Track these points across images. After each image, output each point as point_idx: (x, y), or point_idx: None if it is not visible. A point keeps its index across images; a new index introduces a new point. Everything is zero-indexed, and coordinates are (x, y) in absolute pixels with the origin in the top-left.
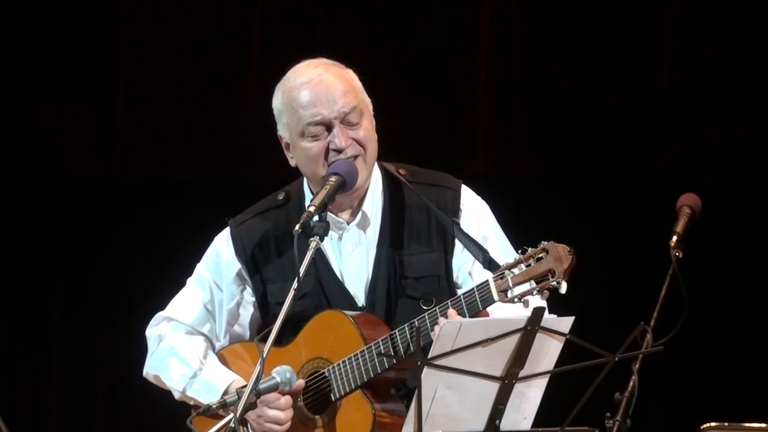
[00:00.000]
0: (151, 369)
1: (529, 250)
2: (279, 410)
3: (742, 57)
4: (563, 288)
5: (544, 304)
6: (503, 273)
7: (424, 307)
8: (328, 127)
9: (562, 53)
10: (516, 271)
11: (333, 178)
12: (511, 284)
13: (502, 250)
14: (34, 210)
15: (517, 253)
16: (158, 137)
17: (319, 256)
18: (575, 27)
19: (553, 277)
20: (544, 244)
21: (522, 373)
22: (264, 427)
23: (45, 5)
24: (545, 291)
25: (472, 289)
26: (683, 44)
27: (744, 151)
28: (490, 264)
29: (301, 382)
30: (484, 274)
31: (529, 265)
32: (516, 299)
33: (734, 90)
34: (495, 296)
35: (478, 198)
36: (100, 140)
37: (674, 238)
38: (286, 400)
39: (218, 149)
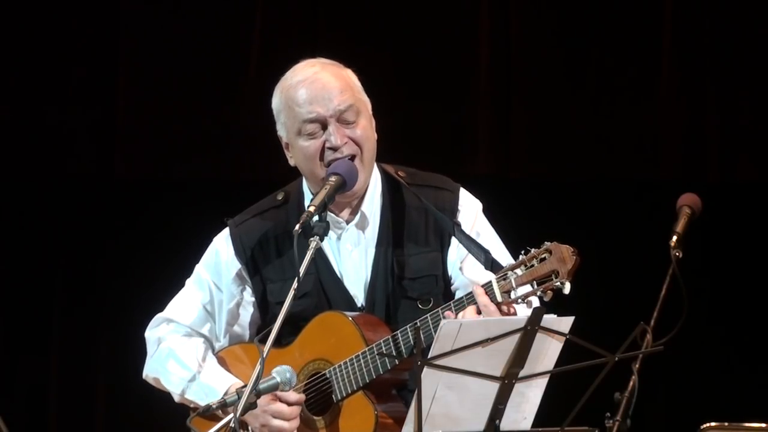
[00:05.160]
0: (150, 371)
1: (533, 250)
2: (284, 420)
3: (742, 57)
4: (567, 288)
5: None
6: (506, 274)
7: (421, 307)
8: (324, 125)
9: (562, 53)
10: (519, 271)
11: (333, 178)
12: (514, 285)
13: (500, 254)
14: (34, 210)
15: (521, 254)
16: (158, 137)
17: (319, 256)
18: (575, 27)
19: (556, 277)
20: (547, 244)
21: (522, 373)
22: None
23: (45, 5)
24: (549, 292)
25: None
26: (683, 44)
27: (744, 151)
28: (492, 265)
29: (302, 397)
30: (486, 276)
31: (532, 266)
32: (519, 300)
33: (734, 90)
34: (498, 297)
35: (476, 200)
36: (101, 140)
37: (674, 238)
38: (291, 410)
39: (218, 149)
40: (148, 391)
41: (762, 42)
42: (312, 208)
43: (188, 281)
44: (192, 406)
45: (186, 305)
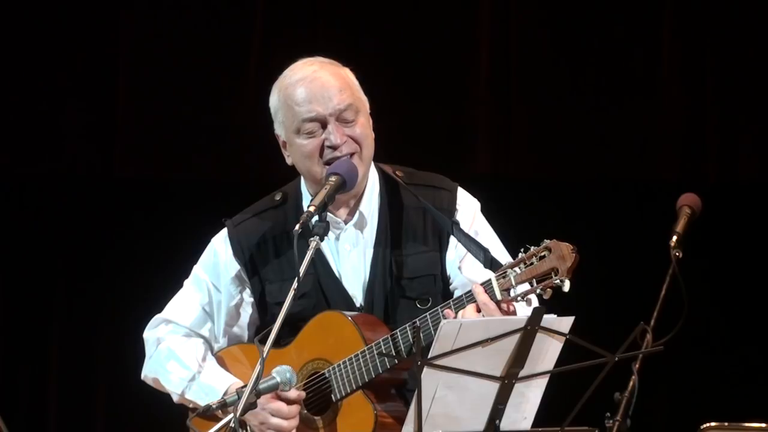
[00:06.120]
0: (149, 372)
1: (532, 248)
2: (282, 419)
3: (742, 57)
4: (566, 286)
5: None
6: (506, 272)
7: (420, 307)
8: (323, 124)
9: (562, 53)
10: (518, 269)
11: (333, 178)
12: (513, 283)
13: (499, 252)
14: (34, 209)
15: (520, 252)
16: (158, 137)
17: (318, 256)
18: (575, 27)
19: (556, 275)
20: (546, 242)
21: (522, 373)
22: None
23: (45, 5)
24: (548, 289)
25: None
26: (683, 44)
27: (744, 151)
28: (491, 263)
29: (302, 394)
30: (485, 274)
31: (531, 264)
32: (519, 298)
33: (734, 90)
34: (498, 295)
35: (474, 200)
36: (100, 140)
37: (674, 238)
38: (290, 409)
39: (218, 149)
40: (148, 391)
41: (762, 42)
42: (312, 208)
43: (186, 282)
44: (191, 406)
45: (185, 306)
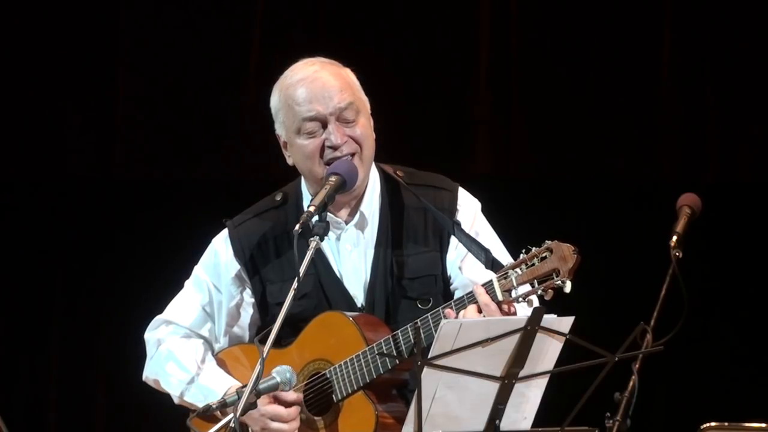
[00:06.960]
0: (150, 374)
1: (533, 249)
2: (282, 422)
3: (742, 57)
4: (568, 287)
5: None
6: (507, 273)
7: (421, 307)
8: (324, 124)
9: (562, 53)
10: (520, 270)
11: (333, 178)
12: (515, 284)
13: (499, 253)
14: (34, 210)
15: (521, 252)
16: (158, 137)
17: (319, 257)
18: (575, 27)
19: (557, 276)
20: (548, 243)
21: (522, 373)
22: None
23: (45, 5)
24: (550, 290)
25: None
26: (683, 44)
27: (744, 151)
28: (492, 264)
29: (299, 396)
30: (486, 274)
31: (533, 265)
32: (520, 299)
33: (734, 90)
34: (499, 296)
35: (475, 200)
36: (100, 140)
37: (674, 238)
38: (288, 412)
39: (218, 149)
40: (148, 391)
41: (762, 42)
42: (312, 208)
43: (187, 282)
44: (192, 408)
45: (185, 306)
